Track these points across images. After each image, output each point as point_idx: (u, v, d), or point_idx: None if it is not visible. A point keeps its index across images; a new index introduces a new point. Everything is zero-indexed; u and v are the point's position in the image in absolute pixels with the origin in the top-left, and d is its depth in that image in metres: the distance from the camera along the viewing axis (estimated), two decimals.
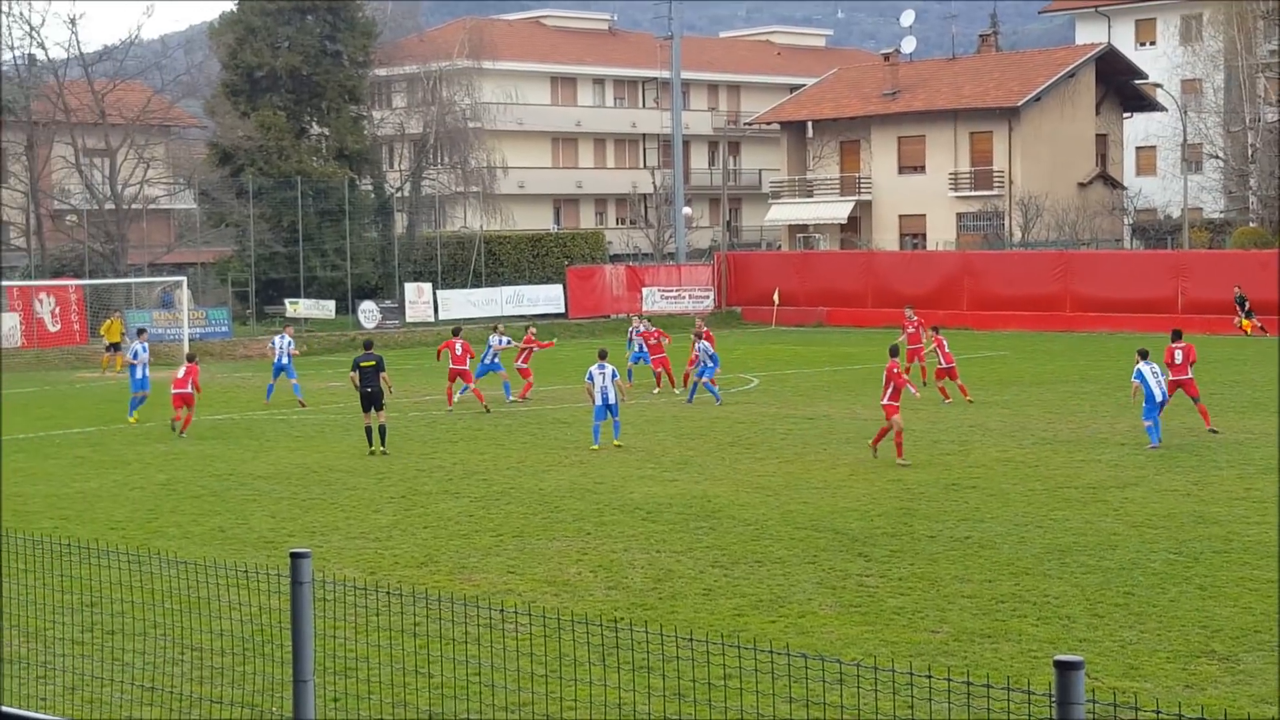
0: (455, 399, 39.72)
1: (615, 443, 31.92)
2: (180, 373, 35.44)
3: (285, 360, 41.34)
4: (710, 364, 40.23)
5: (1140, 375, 30.79)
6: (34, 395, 46.87)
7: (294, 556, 8.89)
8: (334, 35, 75.34)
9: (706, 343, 40.63)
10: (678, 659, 14.10)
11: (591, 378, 32.06)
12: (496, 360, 41.69)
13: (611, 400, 31.78)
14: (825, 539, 21.77)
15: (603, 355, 33.07)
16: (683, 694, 13.44)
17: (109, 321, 56.53)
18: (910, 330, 43.02)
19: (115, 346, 55.10)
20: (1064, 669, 6.47)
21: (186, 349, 44.00)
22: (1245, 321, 60.84)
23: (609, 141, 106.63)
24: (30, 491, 27.64)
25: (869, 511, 23.98)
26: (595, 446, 31.70)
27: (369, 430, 31.88)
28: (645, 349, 43.88)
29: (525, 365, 42.02)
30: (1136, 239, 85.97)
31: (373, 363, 32.18)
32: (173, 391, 35.30)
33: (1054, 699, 6.44)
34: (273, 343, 42.21)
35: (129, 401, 38.46)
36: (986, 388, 42.89)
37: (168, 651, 15.39)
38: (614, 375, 32.10)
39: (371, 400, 31.78)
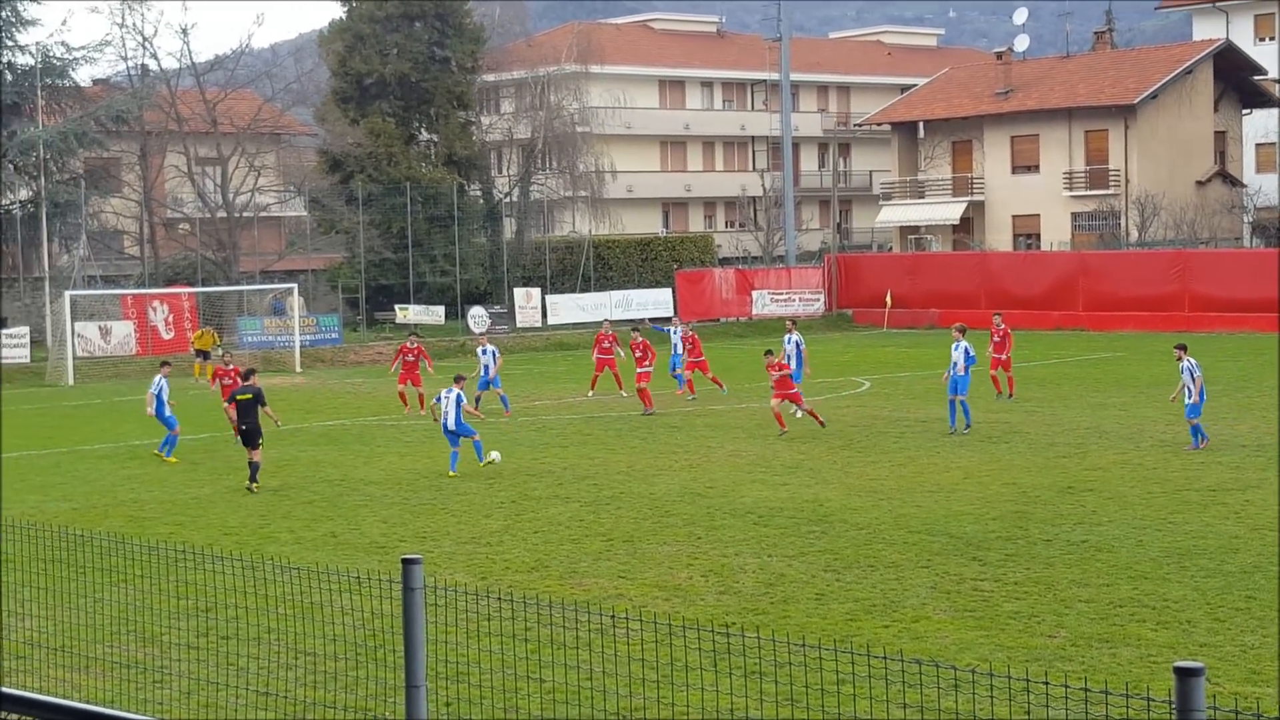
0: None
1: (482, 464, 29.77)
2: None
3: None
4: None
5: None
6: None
7: (405, 563, 8.87)
8: (442, 41, 75.76)
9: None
10: (790, 664, 13.98)
11: (440, 400, 30.01)
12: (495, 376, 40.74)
13: (452, 427, 29.62)
14: (939, 543, 21.56)
15: (458, 380, 30.65)
16: (795, 699, 13.33)
17: (202, 331, 56.87)
18: (997, 339, 41.46)
19: (205, 354, 55.39)
20: (1184, 675, 6.32)
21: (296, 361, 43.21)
22: None
23: (718, 144, 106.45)
24: (145, 498, 27.95)
25: (983, 515, 23.74)
26: (452, 473, 29.54)
27: (253, 465, 28.73)
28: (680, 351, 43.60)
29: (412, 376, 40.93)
30: (1256, 237, 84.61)
31: (249, 395, 29.53)
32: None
33: (1174, 706, 6.28)
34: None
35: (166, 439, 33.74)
36: (1103, 389, 42.45)
37: (281, 656, 15.46)
38: (460, 400, 29.83)
39: (246, 438, 29.11)
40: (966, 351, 35.11)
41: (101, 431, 38.62)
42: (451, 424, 29.49)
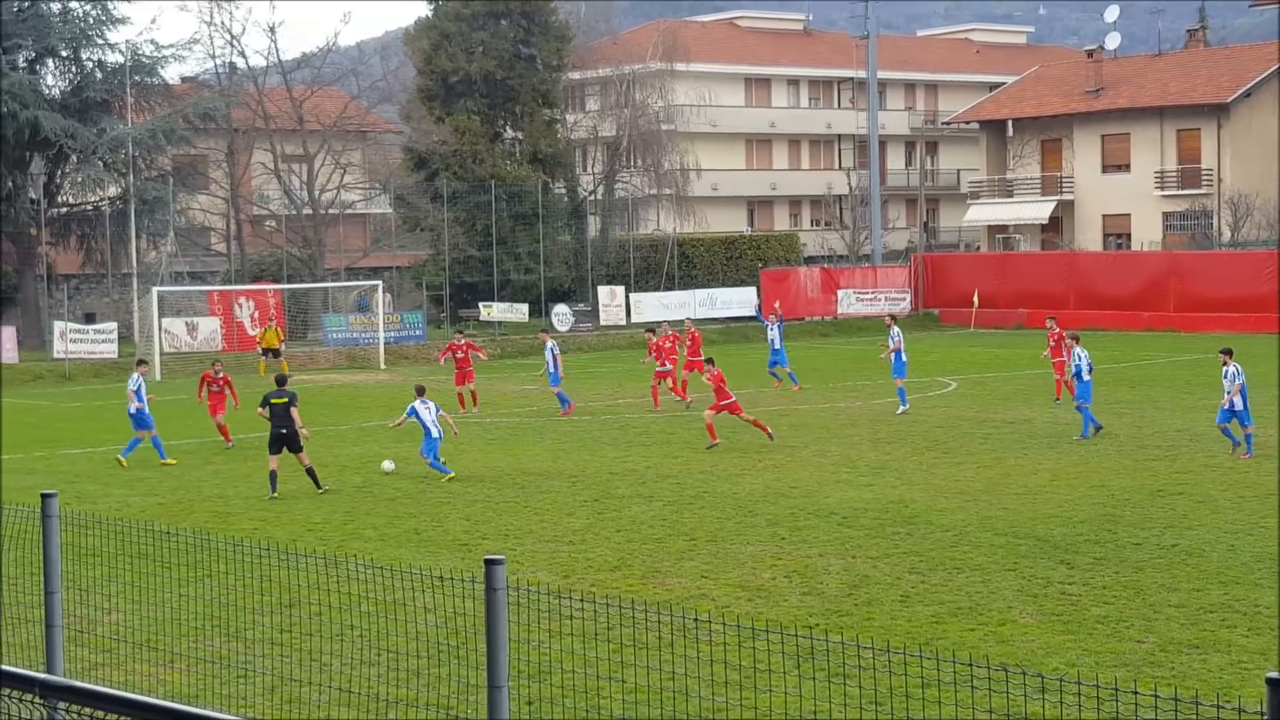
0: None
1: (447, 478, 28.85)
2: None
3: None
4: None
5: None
6: None
7: (488, 563, 8.80)
8: (528, 39, 75.91)
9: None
10: (874, 667, 13.85)
11: (415, 413, 29.52)
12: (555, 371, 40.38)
13: (437, 435, 29.29)
14: (1026, 545, 21.33)
15: (420, 391, 30.37)
16: (879, 703, 13.19)
17: (266, 329, 57.33)
18: (1052, 343, 40.38)
19: (275, 352, 55.69)
20: (1277, 685, 6.15)
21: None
22: None
23: (804, 143, 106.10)
24: (230, 493, 28.14)
25: (1071, 518, 23.46)
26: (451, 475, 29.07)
27: (274, 475, 27.60)
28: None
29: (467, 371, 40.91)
30: None
31: (284, 399, 28.26)
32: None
33: (1266, 716, 6.12)
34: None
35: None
36: (1194, 391, 41.93)
37: (364, 653, 15.48)
38: (438, 410, 29.71)
39: (285, 441, 27.96)
40: (1079, 358, 33.46)
41: (187, 427, 38.82)
42: (435, 434, 29.16)
